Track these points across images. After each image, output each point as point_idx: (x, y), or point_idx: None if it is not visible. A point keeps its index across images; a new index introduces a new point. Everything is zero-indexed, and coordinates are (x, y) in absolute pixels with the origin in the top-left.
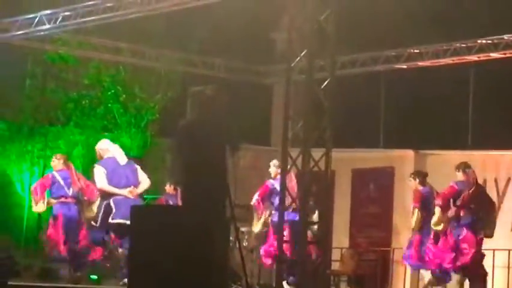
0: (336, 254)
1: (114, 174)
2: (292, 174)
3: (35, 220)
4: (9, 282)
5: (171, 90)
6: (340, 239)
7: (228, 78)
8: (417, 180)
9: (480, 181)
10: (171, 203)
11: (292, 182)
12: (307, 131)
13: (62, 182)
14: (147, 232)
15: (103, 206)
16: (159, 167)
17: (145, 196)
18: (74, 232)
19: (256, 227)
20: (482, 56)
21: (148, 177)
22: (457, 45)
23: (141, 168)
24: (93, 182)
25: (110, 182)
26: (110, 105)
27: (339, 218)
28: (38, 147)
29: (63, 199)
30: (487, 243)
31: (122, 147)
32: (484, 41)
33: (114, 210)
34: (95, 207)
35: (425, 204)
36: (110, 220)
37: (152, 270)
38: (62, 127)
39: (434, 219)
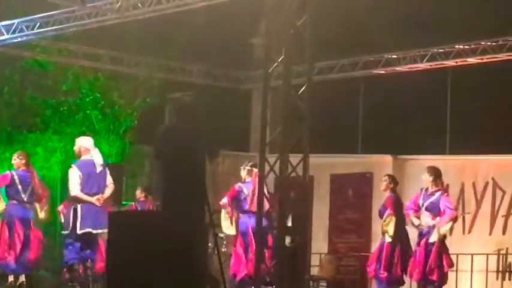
0: (315, 260)
1: (89, 180)
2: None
3: None
4: None
5: (149, 97)
6: (319, 244)
7: (207, 85)
8: (392, 184)
9: (458, 186)
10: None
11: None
12: (284, 136)
13: (19, 186)
14: (125, 239)
15: (71, 212)
16: (137, 173)
17: (123, 202)
18: (27, 235)
19: (230, 230)
20: (460, 62)
21: (128, 184)
22: (435, 50)
23: (120, 174)
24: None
25: (83, 188)
26: (88, 111)
27: (318, 223)
28: None
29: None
30: (465, 248)
31: (101, 153)
32: (461, 47)
33: (79, 219)
34: (43, 213)
35: (398, 210)
36: (78, 231)
37: (130, 277)
38: (41, 134)
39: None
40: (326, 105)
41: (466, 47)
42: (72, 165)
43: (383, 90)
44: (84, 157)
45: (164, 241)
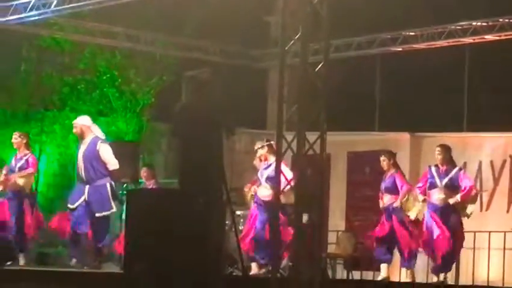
0: (332, 237)
1: None
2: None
3: None
4: (6, 267)
5: (166, 75)
6: (336, 222)
7: (223, 62)
8: (391, 160)
9: (475, 163)
10: None
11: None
12: (301, 114)
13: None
14: (142, 217)
15: (108, 188)
16: (154, 151)
17: (140, 181)
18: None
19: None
20: (477, 39)
21: (145, 162)
22: (452, 27)
23: (136, 152)
24: (102, 161)
25: None
26: (105, 89)
27: (335, 201)
28: (33, 132)
29: None
30: (483, 226)
31: (118, 131)
32: (479, 23)
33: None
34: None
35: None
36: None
37: (147, 255)
38: (58, 112)
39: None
40: (343, 83)
41: (484, 24)
42: (101, 142)
43: (400, 67)
44: (90, 135)
45: (181, 219)
